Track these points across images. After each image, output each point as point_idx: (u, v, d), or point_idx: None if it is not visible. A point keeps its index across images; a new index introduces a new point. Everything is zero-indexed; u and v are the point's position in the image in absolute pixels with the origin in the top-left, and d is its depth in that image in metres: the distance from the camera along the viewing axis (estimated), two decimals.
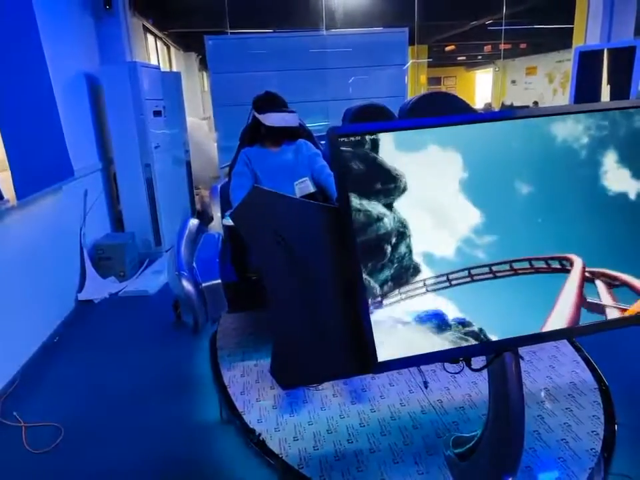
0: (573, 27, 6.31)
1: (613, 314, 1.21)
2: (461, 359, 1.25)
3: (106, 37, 4.86)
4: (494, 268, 1.18)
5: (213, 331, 2.96)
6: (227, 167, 3.26)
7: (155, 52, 7.90)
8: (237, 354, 2.73)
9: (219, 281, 2.33)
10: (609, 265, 1.22)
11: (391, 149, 1.14)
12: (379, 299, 1.14)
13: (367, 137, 1.12)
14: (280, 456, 1.96)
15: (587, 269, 1.20)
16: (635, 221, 1.25)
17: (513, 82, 14.50)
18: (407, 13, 7.33)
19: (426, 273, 1.15)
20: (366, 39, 5.60)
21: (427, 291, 1.16)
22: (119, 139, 4.53)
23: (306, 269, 1.25)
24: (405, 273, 1.15)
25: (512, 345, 1.23)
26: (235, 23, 6.66)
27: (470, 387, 2.33)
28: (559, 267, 1.20)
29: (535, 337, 1.20)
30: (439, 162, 1.17)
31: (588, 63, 5.21)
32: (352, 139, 1.12)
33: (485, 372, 1.37)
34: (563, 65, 11.10)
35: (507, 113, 1.34)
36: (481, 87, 16.04)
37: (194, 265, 2.38)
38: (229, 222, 2.56)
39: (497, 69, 14.28)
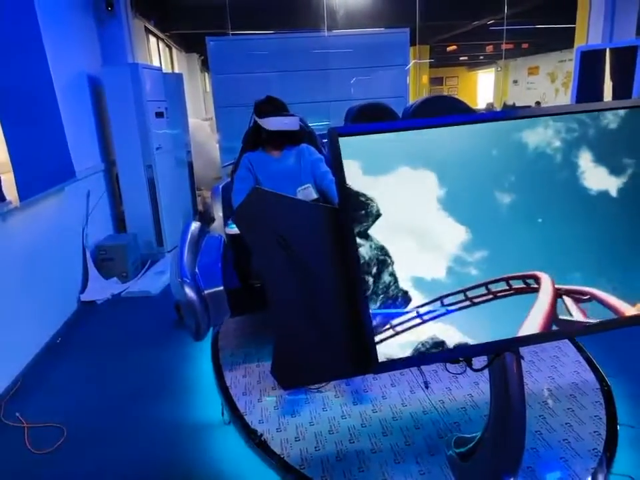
0: (574, 27, 6.30)
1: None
2: (462, 359, 1.25)
3: (108, 39, 4.88)
4: (469, 294, 1.13)
5: (215, 332, 2.96)
6: (230, 165, 3.25)
7: (156, 53, 7.91)
8: (239, 355, 2.73)
9: (222, 287, 2.32)
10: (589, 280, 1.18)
11: (356, 174, 1.09)
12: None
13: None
14: (281, 456, 1.96)
15: (556, 286, 1.16)
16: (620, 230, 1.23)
17: (515, 82, 14.49)
18: (409, 14, 7.33)
19: (418, 299, 1.10)
20: (367, 39, 5.60)
21: (422, 319, 1.10)
22: (120, 140, 4.55)
23: (306, 269, 1.25)
24: (393, 304, 1.09)
25: (512, 344, 1.23)
26: (236, 24, 6.67)
27: (472, 388, 2.32)
28: (536, 285, 1.16)
29: (535, 336, 1.20)
30: (411, 182, 1.12)
31: (590, 62, 5.20)
32: None
33: (486, 372, 1.37)
34: (565, 64, 11.09)
35: (506, 113, 1.33)
36: (483, 87, 16.03)
37: (196, 270, 2.38)
38: (232, 230, 2.56)
39: (499, 69, 14.27)
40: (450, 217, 1.12)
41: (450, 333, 1.12)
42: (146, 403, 2.58)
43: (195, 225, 2.81)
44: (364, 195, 1.09)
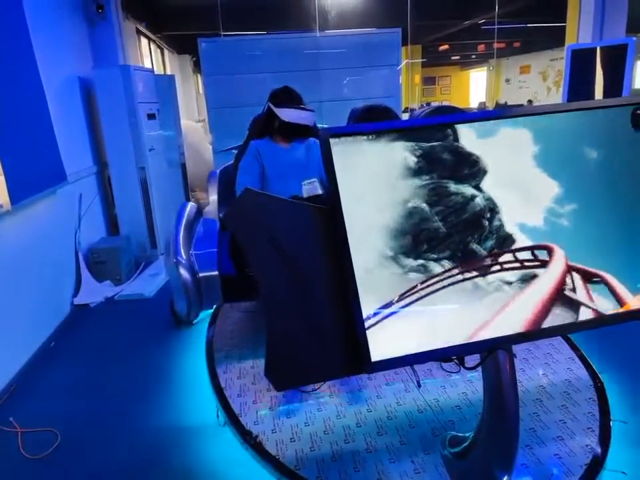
0: (565, 26, 6.33)
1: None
2: (454, 358, 1.26)
3: (99, 41, 4.86)
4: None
5: (209, 334, 2.95)
6: (228, 150, 3.22)
7: (148, 55, 7.88)
8: (234, 356, 2.72)
9: (217, 272, 2.33)
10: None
11: (469, 137, 1.27)
12: (489, 263, 1.27)
13: (449, 130, 1.27)
14: (277, 457, 1.96)
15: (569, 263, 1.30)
16: None
17: (507, 81, 14.55)
18: (400, 14, 7.35)
19: (521, 241, 1.28)
20: (359, 39, 5.61)
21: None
22: (112, 142, 4.53)
23: (299, 270, 1.25)
24: (504, 242, 1.28)
25: (504, 343, 1.24)
26: (228, 25, 6.65)
27: (466, 386, 2.33)
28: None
29: (526, 334, 1.21)
30: (509, 141, 1.29)
31: (581, 61, 5.23)
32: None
33: (481, 370, 1.38)
34: (557, 63, 11.15)
35: (498, 112, 1.38)
36: (475, 86, 16.08)
37: (192, 252, 2.37)
38: None
39: (490, 68, 14.32)
40: (543, 172, 1.30)
41: None
42: (140, 405, 2.56)
43: (190, 206, 2.79)
44: (474, 155, 1.28)
